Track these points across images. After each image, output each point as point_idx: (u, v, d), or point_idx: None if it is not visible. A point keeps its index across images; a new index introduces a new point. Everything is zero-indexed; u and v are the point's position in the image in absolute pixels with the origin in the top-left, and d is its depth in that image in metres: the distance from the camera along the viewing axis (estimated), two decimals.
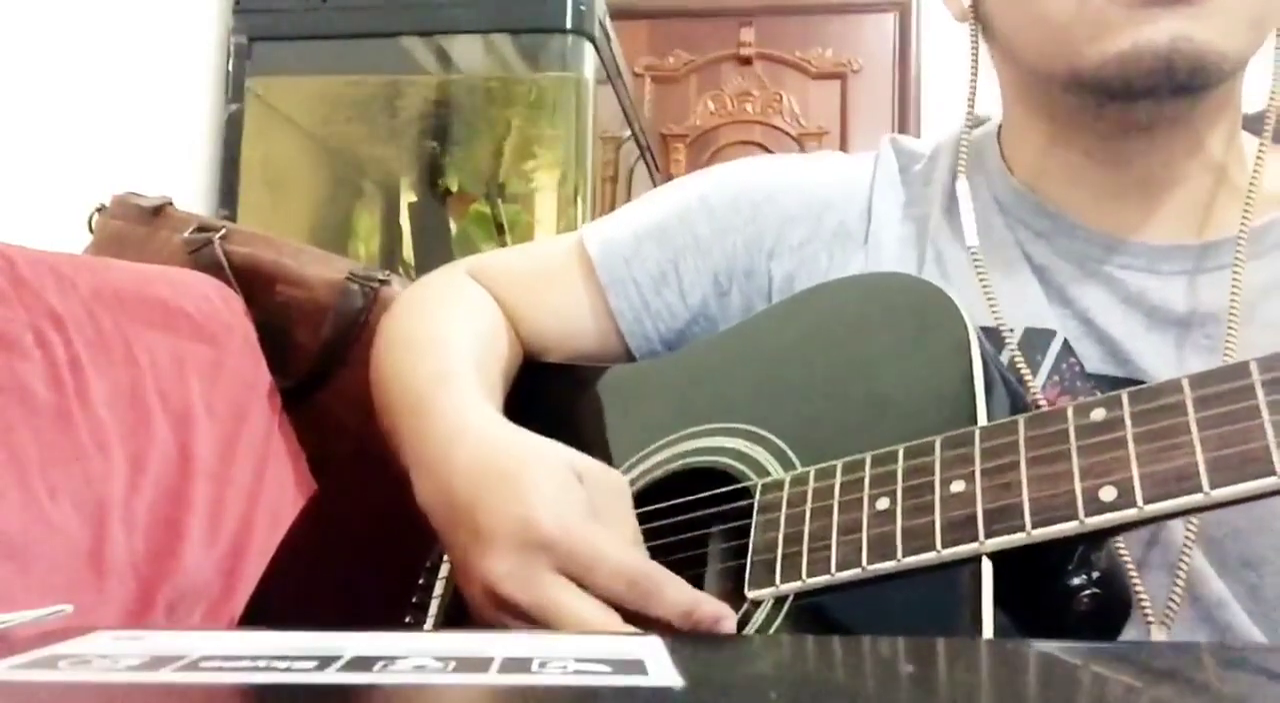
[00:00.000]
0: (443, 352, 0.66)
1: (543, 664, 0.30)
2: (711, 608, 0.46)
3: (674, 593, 0.46)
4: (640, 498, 0.56)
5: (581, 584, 0.47)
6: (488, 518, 0.50)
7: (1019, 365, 0.59)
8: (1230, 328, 0.57)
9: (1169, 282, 0.61)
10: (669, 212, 0.73)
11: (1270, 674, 0.35)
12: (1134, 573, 0.54)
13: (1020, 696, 0.31)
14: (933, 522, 0.43)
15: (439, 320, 0.71)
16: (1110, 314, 0.62)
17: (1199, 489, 0.38)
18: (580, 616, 0.46)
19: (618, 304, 0.72)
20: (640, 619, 0.46)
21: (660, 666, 0.30)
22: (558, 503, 0.49)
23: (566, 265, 0.75)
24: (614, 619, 0.46)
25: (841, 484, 0.48)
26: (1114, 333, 0.61)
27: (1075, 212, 0.64)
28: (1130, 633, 0.51)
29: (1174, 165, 0.62)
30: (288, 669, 0.29)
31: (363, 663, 0.30)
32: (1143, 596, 0.53)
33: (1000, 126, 0.70)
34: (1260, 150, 0.61)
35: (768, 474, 0.52)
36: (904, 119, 2.83)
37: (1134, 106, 0.58)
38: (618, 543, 0.48)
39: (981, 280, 0.61)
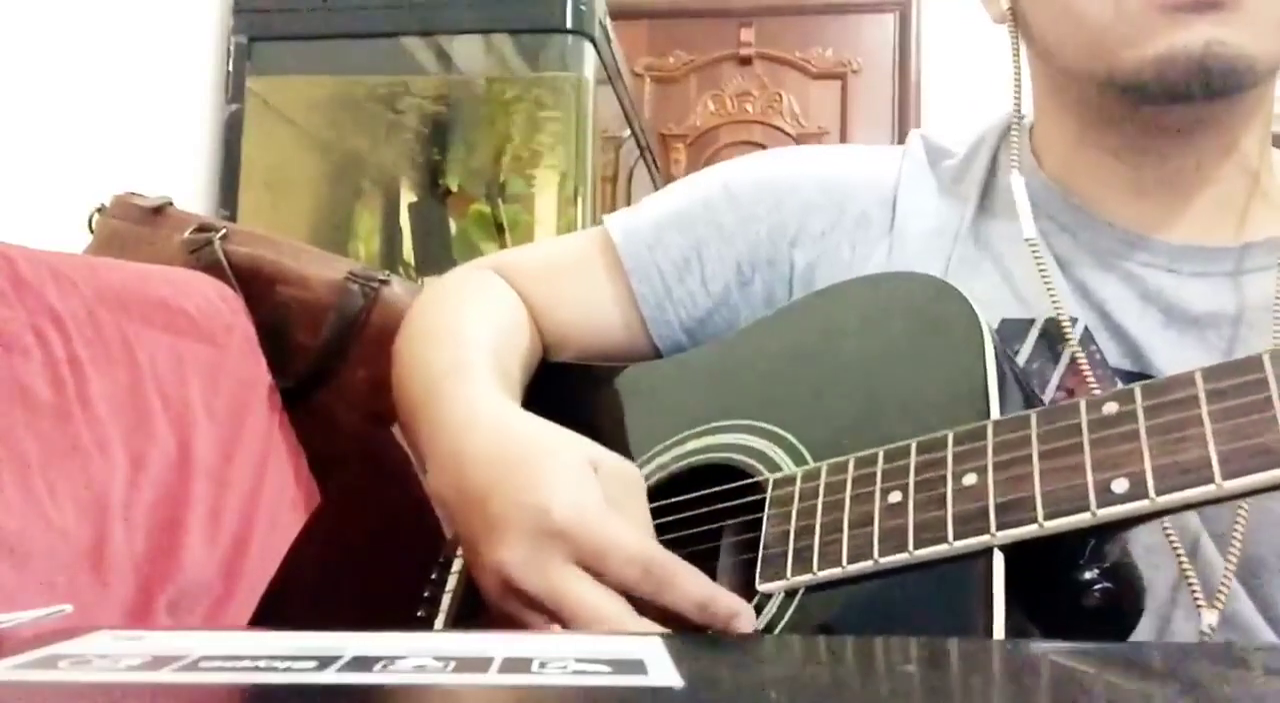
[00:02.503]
0: (460, 342, 0.66)
1: (543, 664, 0.30)
2: (728, 602, 0.46)
3: (689, 584, 0.46)
4: (654, 493, 0.56)
5: (595, 573, 0.47)
6: (502, 506, 0.50)
7: (1035, 361, 0.59)
8: (1278, 329, 0.57)
9: (1188, 282, 0.62)
10: (692, 200, 0.74)
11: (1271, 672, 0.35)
12: (1184, 559, 0.54)
13: (1023, 697, 0.31)
14: (944, 514, 0.43)
15: (459, 313, 0.71)
16: (1127, 310, 0.62)
17: (1211, 481, 0.38)
18: (592, 605, 0.46)
19: (641, 289, 0.72)
20: (654, 610, 0.46)
21: (660, 666, 0.30)
22: (573, 492, 0.49)
23: (589, 255, 0.75)
24: (626, 610, 0.46)
25: (854, 478, 0.48)
26: (1130, 329, 0.62)
27: (1102, 207, 0.64)
28: (1180, 616, 0.52)
29: (1206, 166, 0.62)
30: (288, 669, 0.29)
31: (363, 663, 0.30)
32: (1193, 581, 0.54)
33: (1032, 124, 0.71)
34: None
35: (780, 470, 0.52)
36: (904, 119, 2.83)
37: (1168, 110, 0.59)
38: (633, 532, 0.48)
39: (1041, 272, 0.61)
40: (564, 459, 0.51)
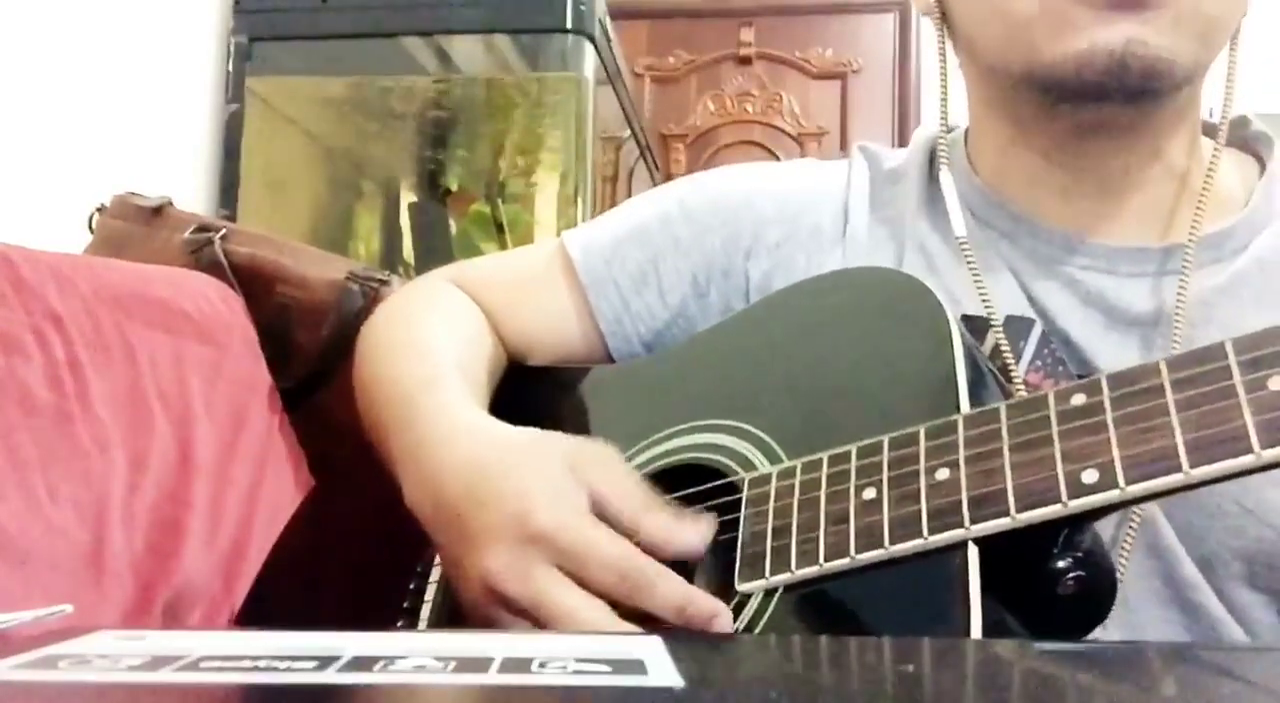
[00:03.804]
0: (426, 356, 0.67)
1: (543, 664, 0.30)
2: (706, 604, 0.46)
3: (667, 588, 0.46)
4: None
5: (575, 578, 0.47)
6: (482, 514, 0.50)
7: (1003, 350, 0.60)
8: (1175, 328, 0.58)
9: (1128, 283, 0.62)
10: (648, 215, 0.74)
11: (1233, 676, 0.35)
12: None
13: (1024, 696, 0.31)
14: (919, 510, 0.44)
15: (421, 327, 0.71)
16: (1070, 314, 0.63)
17: (1179, 469, 0.39)
18: (574, 610, 0.46)
19: (598, 304, 0.73)
20: (636, 614, 0.46)
21: (660, 666, 0.30)
22: (552, 497, 0.49)
23: (548, 269, 0.75)
24: (607, 614, 0.46)
25: (828, 476, 0.48)
26: (1073, 332, 0.62)
27: (1037, 212, 0.65)
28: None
29: (1133, 170, 0.63)
30: (288, 669, 0.29)
31: (363, 663, 0.30)
32: None
33: (967, 129, 0.72)
34: (1214, 154, 0.62)
35: (754, 469, 0.52)
36: (904, 119, 2.83)
37: (1087, 108, 0.59)
38: (612, 537, 0.48)
39: (970, 268, 0.62)
40: (542, 464, 0.51)
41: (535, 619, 0.47)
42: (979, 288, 0.61)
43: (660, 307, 0.72)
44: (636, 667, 0.30)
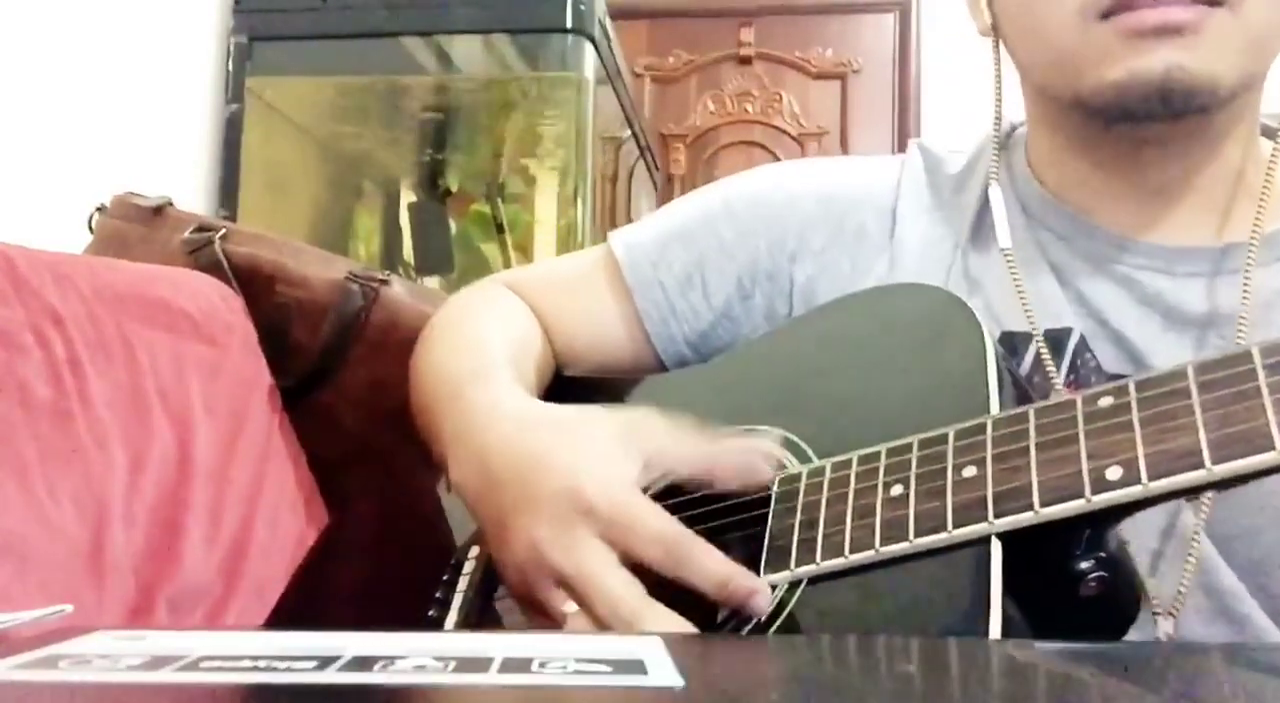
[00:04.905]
0: (480, 351, 0.68)
1: (543, 664, 0.30)
2: (746, 581, 0.47)
3: (710, 563, 0.47)
4: (662, 496, 0.57)
5: (621, 550, 0.48)
6: (531, 486, 0.51)
7: (1045, 362, 0.60)
8: (1240, 330, 0.58)
9: (1185, 283, 0.62)
10: (693, 216, 0.75)
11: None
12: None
13: (1021, 698, 0.31)
14: (944, 505, 0.45)
15: (476, 326, 0.73)
16: (1125, 314, 0.63)
17: (1201, 466, 0.40)
18: (611, 589, 0.47)
19: (644, 305, 0.74)
20: (676, 595, 0.47)
21: (660, 666, 0.30)
22: (602, 470, 0.50)
23: (595, 271, 0.76)
24: (642, 597, 0.47)
25: (857, 474, 0.49)
26: (1129, 333, 0.62)
27: (1094, 214, 0.65)
28: (1137, 624, 0.51)
29: (1189, 175, 0.63)
30: (288, 669, 0.29)
31: (363, 663, 0.30)
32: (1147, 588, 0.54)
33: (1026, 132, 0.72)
34: (1273, 155, 0.62)
35: (785, 468, 0.53)
36: (904, 119, 2.83)
37: (1138, 128, 0.60)
38: (657, 511, 0.49)
39: (1015, 282, 0.62)
40: (592, 437, 0.53)
41: (574, 591, 0.48)
42: (1023, 302, 0.62)
43: (705, 308, 0.73)
44: (636, 667, 0.30)
